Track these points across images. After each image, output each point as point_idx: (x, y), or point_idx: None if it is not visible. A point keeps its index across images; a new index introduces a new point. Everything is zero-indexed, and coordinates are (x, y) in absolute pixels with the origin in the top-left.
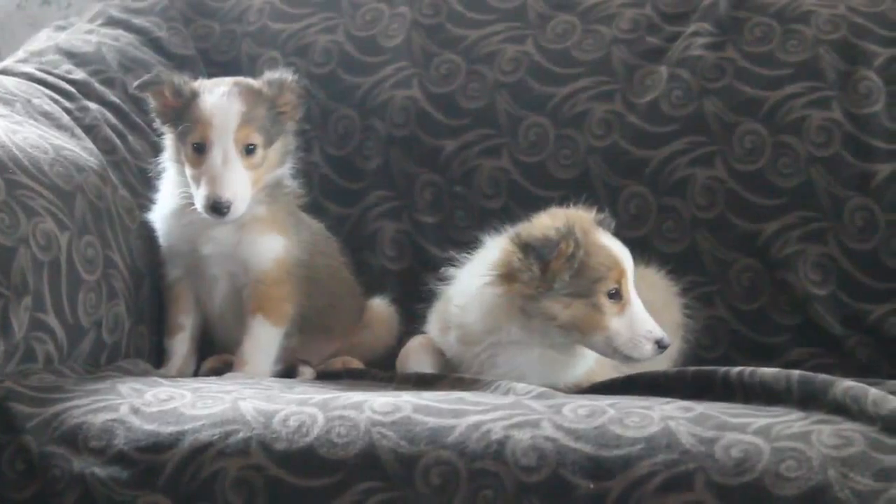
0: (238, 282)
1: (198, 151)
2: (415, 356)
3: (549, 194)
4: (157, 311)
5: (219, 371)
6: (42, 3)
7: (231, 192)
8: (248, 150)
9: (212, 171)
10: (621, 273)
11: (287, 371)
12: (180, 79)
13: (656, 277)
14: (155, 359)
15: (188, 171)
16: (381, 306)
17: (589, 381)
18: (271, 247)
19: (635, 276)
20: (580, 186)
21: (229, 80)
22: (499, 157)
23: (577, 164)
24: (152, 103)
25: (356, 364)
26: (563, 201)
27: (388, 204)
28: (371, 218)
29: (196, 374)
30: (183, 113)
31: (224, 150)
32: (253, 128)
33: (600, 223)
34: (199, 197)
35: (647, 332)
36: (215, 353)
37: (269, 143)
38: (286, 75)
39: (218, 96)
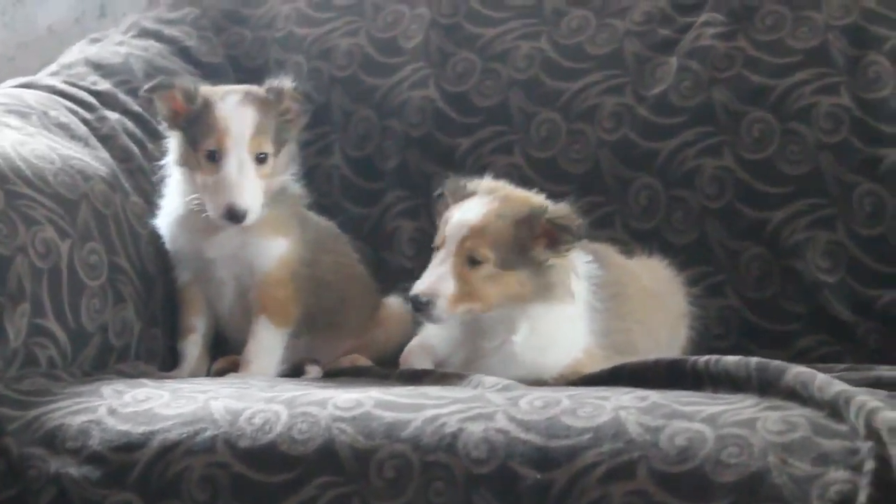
0: (244, 284)
1: (211, 159)
2: (415, 356)
3: (561, 189)
4: (170, 315)
5: (228, 372)
6: (99, 17)
7: (247, 199)
8: (260, 158)
9: (228, 179)
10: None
11: (295, 370)
12: (191, 84)
13: (660, 267)
14: (169, 361)
15: (200, 178)
16: (395, 305)
17: (578, 373)
18: (275, 249)
19: (638, 265)
20: (591, 180)
21: (240, 88)
22: (511, 154)
23: (587, 157)
24: (160, 108)
25: (364, 362)
26: (574, 196)
27: (406, 203)
28: (390, 217)
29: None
30: (195, 119)
31: (239, 159)
32: (266, 137)
33: None
34: (215, 204)
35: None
36: (226, 354)
37: (277, 151)
38: (285, 83)
39: (232, 105)
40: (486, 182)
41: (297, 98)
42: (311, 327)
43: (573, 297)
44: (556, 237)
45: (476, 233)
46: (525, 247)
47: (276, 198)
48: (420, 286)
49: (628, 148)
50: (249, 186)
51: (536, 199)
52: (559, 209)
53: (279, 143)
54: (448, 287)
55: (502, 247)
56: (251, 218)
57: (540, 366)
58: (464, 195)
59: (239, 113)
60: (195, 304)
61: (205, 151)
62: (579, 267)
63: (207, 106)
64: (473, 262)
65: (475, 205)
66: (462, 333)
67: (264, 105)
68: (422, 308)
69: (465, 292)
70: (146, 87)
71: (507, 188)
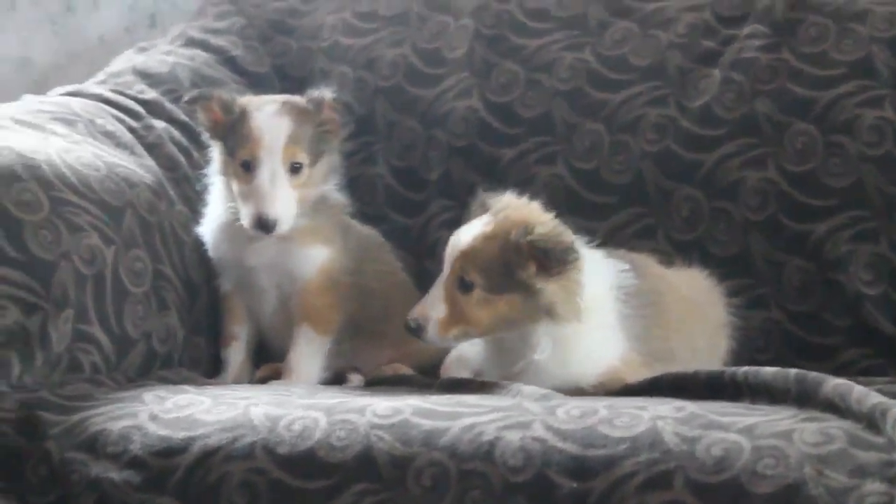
0: (285, 292)
1: (245, 168)
2: (454, 369)
3: (603, 200)
4: (213, 322)
5: (270, 379)
6: (149, 27)
7: (277, 210)
8: (294, 168)
9: (260, 189)
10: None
11: (337, 378)
12: (229, 95)
13: (699, 277)
14: (212, 369)
15: (236, 187)
16: None
17: (616, 381)
18: (316, 257)
19: (678, 275)
20: (633, 191)
21: (279, 98)
22: (554, 164)
23: (630, 168)
24: (202, 118)
25: (406, 371)
26: (616, 207)
27: (450, 213)
28: (433, 227)
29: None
30: (232, 129)
31: (272, 169)
32: (300, 147)
33: None
34: (246, 214)
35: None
36: (269, 362)
37: (314, 161)
38: (326, 93)
39: (267, 115)
40: (506, 199)
41: (337, 108)
42: (354, 335)
43: (579, 315)
44: (544, 260)
45: (466, 256)
46: (514, 270)
47: (316, 207)
48: (413, 310)
49: (671, 159)
50: (281, 196)
51: (536, 219)
52: (544, 231)
53: (316, 154)
54: (439, 311)
55: (490, 271)
56: (281, 228)
57: (571, 378)
58: (478, 213)
59: (273, 123)
60: (238, 312)
61: (240, 161)
62: (607, 276)
63: (244, 116)
64: (464, 285)
65: (471, 227)
66: (490, 351)
67: (301, 115)
68: (413, 333)
69: (456, 316)
70: (186, 97)
71: (516, 207)
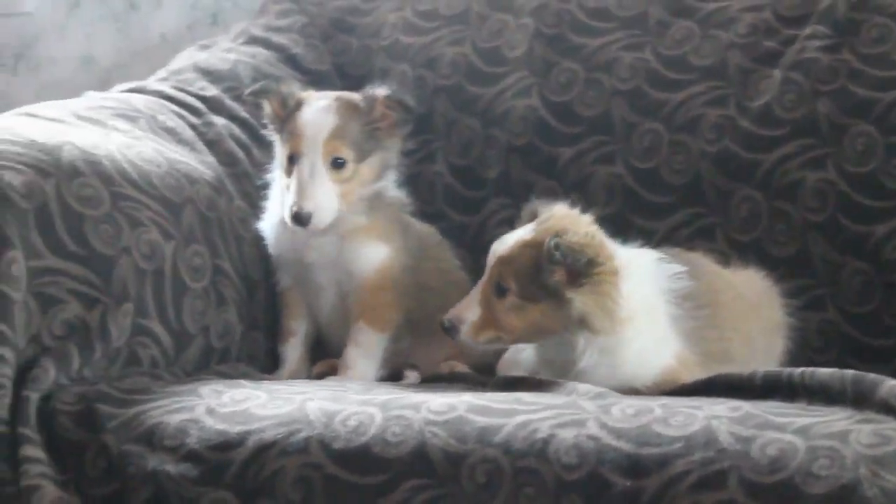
0: (344, 289)
1: (291, 162)
2: (508, 369)
3: (662, 199)
4: (271, 318)
5: (327, 375)
6: (211, 24)
7: (313, 203)
8: (337, 163)
9: (299, 182)
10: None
11: (394, 375)
12: (288, 89)
13: (756, 277)
14: (269, 364)
15: (283, 180)
16: None
17: (673, 382)
18: (373, 255)
19: (734, 275)
20: (692, 191)
21: (333, 94)
22: (613, 164)
23: (689, 168)
24: (266, 111)
25: (462, 369)
26: (674, 207)
27: (508, 212)
28: (491, 225)
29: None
30: (286, 123)
31: (312, 162)
32: (343, 142)
33: None
34: (285, 206)
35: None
36: (326, 358)
37: (361, 157)
38: (381, 90)
39: (314, 110)
40: (556, 209)
41: (392, 105)
42: (411, 333)
43: (614, 328)
44: (572, 270)
45: (503, 262)
46: (545, 278)
47: (374, 205)
48: (450, 311)
49: (730, 159)
50: (319, 190)
51: (573, 228)
52: (571, 240)
53: (364, 150)
54: (472, 314)
55: (524, 277)
56: (318, 221)
57: (624, 382)
58: (526, 221)
59: (318, 117)
60: (296, 308)
61: (287, 154)
62: (658, 280)
63: (296, 110)
64: (500, 291)
65: (513, 234)
66: (539, 363)
67: (350, 111)
68: (448, 332)
69: (489, 321)
70: (248, 90)
71: (561, 217)
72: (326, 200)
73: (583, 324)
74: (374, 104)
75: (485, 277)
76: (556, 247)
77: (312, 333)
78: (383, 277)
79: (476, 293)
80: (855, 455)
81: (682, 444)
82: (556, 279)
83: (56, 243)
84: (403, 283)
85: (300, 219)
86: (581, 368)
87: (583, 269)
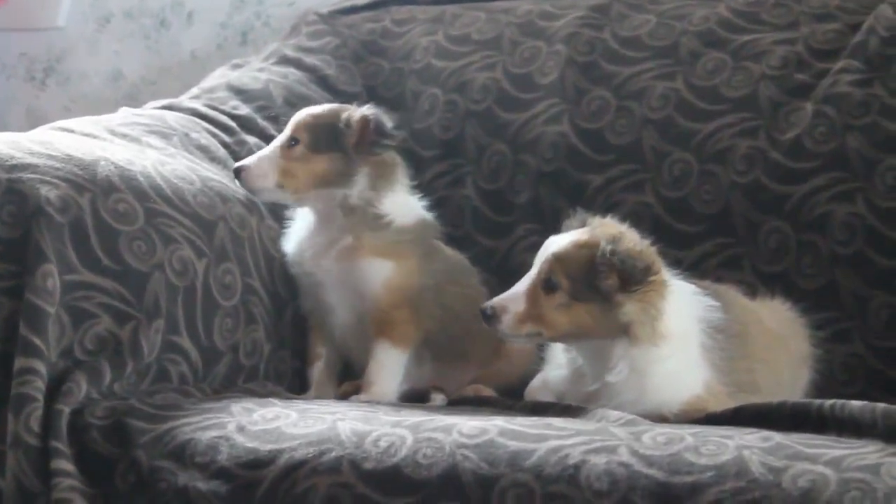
0: (357, 310)
1: None
2: (538, 394)
3: (690, 229)
4: (298, 337)
5: (350, 395)
6: (241, 44)
7: (250, 162)
8: (291, 142)
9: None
10: None
11: (420, 397)
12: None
13: (782, 308)
14: (296, 383)
15: None
16: None
17: (699, 411)
18: (377, 272)
19: (761, 306)
20: (721, 221)
21: (344, 106)
22: (642, 192)
23: (718, 199)
24: None
25: (488, 392)
26: (703, 236)
27: (536, 237)
28: (519, 251)
29: None
30: None
31: (280, 139)
32: (305, 128)
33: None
34: None
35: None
36: (352, 380)
37: (316, 148)
38: (367, 109)
39: (310, 107)
40: (606, 221)
41: (366, 125)
42: (436, 355)
43: (656, 340)
44: (625, 274)
45: (557, 258)
46: (597, 280)
47: (372, 223)
48: (493, 300)
49: (760, 191)
50: (262, 155)
51: (629, 235)
52: (629, 246)
53: (321, 143)
54: (517, 305)
55: (576, 276)
56: (246, 177)
57: (649, 405)
58: (576, 228)
59: (304, 111)
60: (319, 332)
61: None
62: (694, 308)
63: None
64: (549, 287)
65: (569, 235)
66: (570, 371)
67: (332, 114)
68: (488, 321)
69: (534, 314)
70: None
71: (613, 226)
72: (263, 165)
73: (626, 330)
74: (351, 117)
75: (534, 272)
76: (614, 251)
77: (338, 356)
78: (393, 293)
79: (523, 286)
80: (886, 488)
81: (713, 472)
82: (609, 282)
83: (90, 258)
84: (423, 303)
85: (236, 171)
86: (608, 384)
87: (637, 275)
